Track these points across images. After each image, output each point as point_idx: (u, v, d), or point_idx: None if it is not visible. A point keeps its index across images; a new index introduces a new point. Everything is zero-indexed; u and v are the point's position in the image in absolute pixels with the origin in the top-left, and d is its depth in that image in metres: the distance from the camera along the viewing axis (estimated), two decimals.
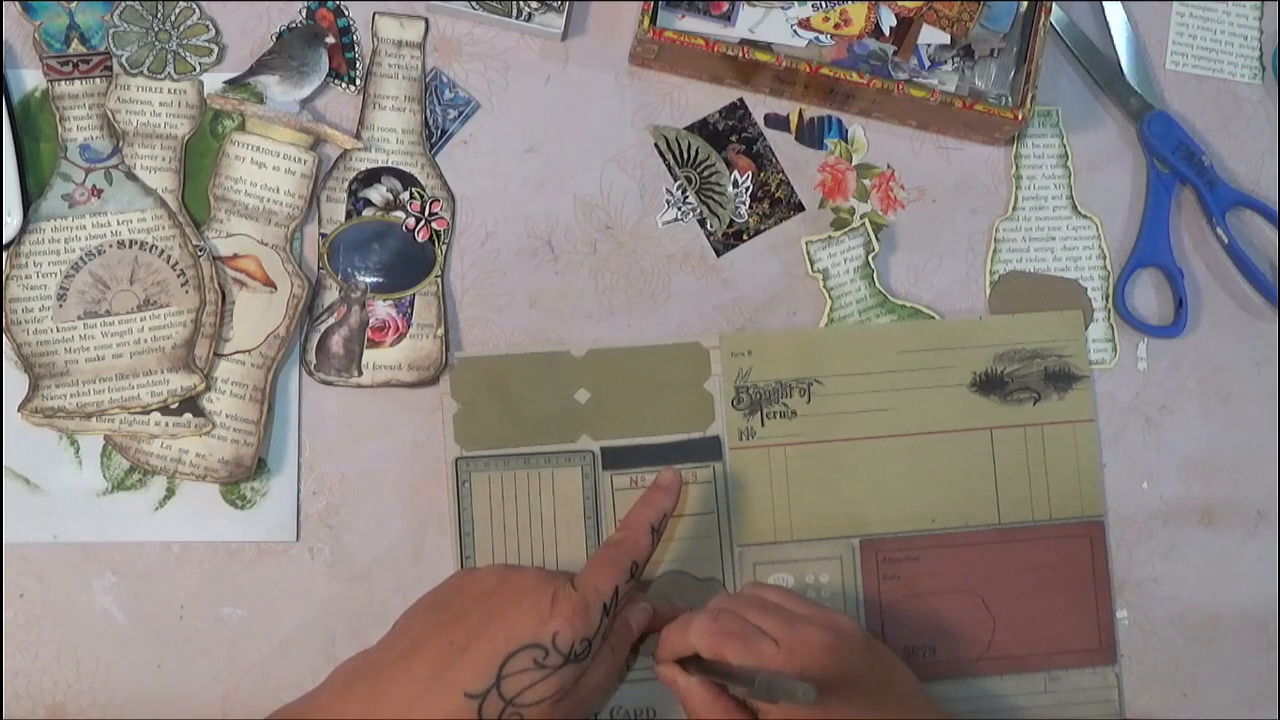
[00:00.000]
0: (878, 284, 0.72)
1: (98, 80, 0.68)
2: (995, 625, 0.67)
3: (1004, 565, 0.67)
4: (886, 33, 0.71)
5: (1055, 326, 0.69)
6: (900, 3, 0.71)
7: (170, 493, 0.66)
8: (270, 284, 0.67)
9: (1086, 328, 0.70)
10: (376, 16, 0.70)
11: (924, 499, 0.67)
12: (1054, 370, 0.68)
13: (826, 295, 0.71)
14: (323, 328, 0.68)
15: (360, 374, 0.68)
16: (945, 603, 0.66)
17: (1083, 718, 0.67)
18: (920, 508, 0.67)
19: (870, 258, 0.72)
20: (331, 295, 0.68)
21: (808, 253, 0.71)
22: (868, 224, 0.71)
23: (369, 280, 0.69)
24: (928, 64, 0.72)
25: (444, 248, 0.70)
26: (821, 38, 0.71)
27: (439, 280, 0.69)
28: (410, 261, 0.69)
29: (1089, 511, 0.69)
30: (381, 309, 0.68)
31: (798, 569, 0.66)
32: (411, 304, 0.69)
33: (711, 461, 0.66)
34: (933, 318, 0.72)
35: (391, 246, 0.69)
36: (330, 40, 0.70)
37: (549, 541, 0.65)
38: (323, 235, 0.69)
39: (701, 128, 0.73)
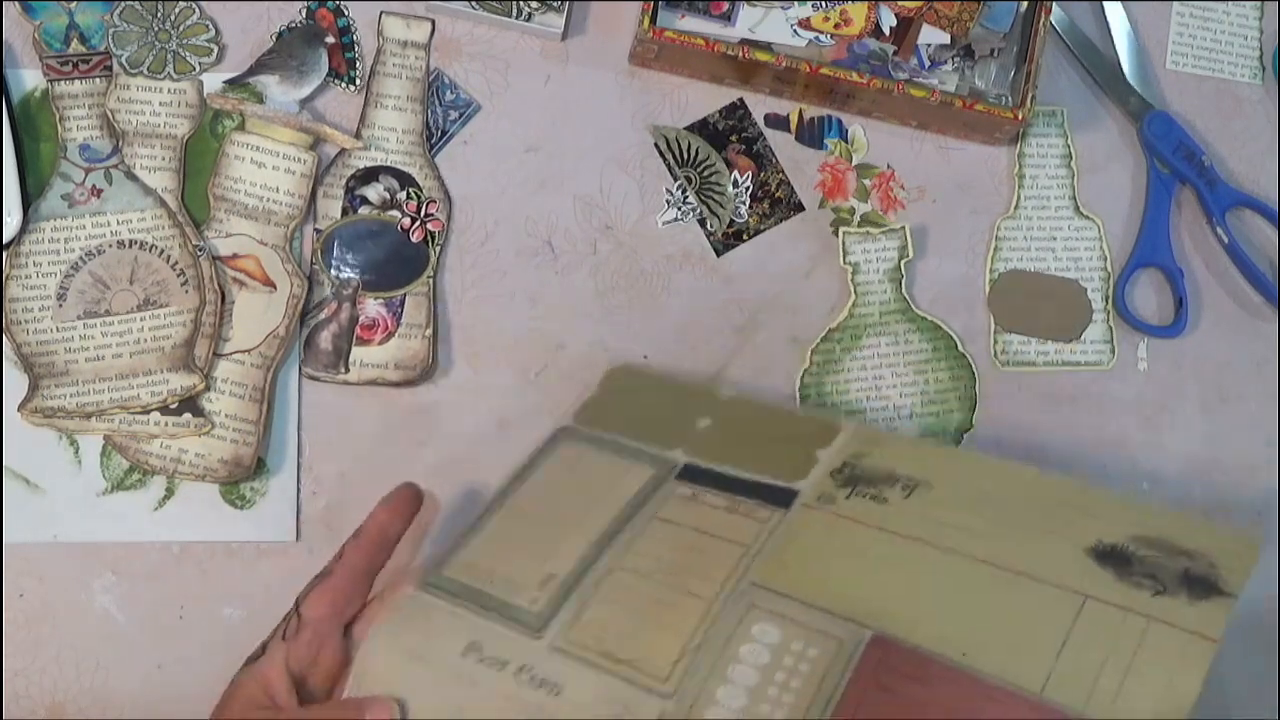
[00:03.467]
0: (904, 290, 0.72)
1: (98, 80, 0.68)
2: None
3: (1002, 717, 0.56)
4: (886, 33, 0.71)
5: (1223, 539, 0.57)
6: (900, 3, 0.71)
7: (170, 493, 0.66)
8: (270, 284, 0.67)
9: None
10: (383, 16, 0.70)
11: (967, 629, 0.57)
12: (1196, 575, 0.56)
13: (852, 290, 0.71)
14: (313, 323, 0.68)
15: (347, 371, 0.68)
16: None
17: None
18: (958, 634, 0.57)
19: (902, 263, 0.72)
20: (323, 291, 0.68)
21: (843, 243, 0.71)
22: (907, 230, 0.71)
23: (361, 277, 0.69)
24: (928, 64, 0.72)
25: (438, 249, 0.70)
26: (821, 38, 0.71)
27: (431, 281, 0.69)
28: (404, 261, 0.69)
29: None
30: (372, 307, 0.68)
31: (789, 629, 0.57)
32: (402, 304, 0.69)
33: (776, 508, 0.59)
34: (952, 337, 0.72)
35: (385, 245, 0.69)
36: (330, 40, 0.70)
37: (549, 542, 0.60)
38: (317, 230, 0.69)
39: (701, 128, 0.72)
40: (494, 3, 0.70)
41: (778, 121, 0.73)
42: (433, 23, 0.71)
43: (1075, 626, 0.56)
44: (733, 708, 0.54)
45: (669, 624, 0.56)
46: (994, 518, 0.58)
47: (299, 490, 0.67)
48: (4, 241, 0.66)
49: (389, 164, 0.70)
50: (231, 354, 0.67)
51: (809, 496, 0.59)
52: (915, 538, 0.58)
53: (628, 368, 0.67)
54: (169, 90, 0.69)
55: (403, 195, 0.69)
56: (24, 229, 0.66)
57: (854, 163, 0.73)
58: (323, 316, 0.68)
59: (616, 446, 0.62)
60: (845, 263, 0.72)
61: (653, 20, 0.68)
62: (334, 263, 0.69)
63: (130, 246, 0.67)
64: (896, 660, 0.57)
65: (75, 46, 0.68)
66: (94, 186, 0.67)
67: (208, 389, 0.66)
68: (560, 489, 0.61)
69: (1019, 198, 0.74)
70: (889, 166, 0.74)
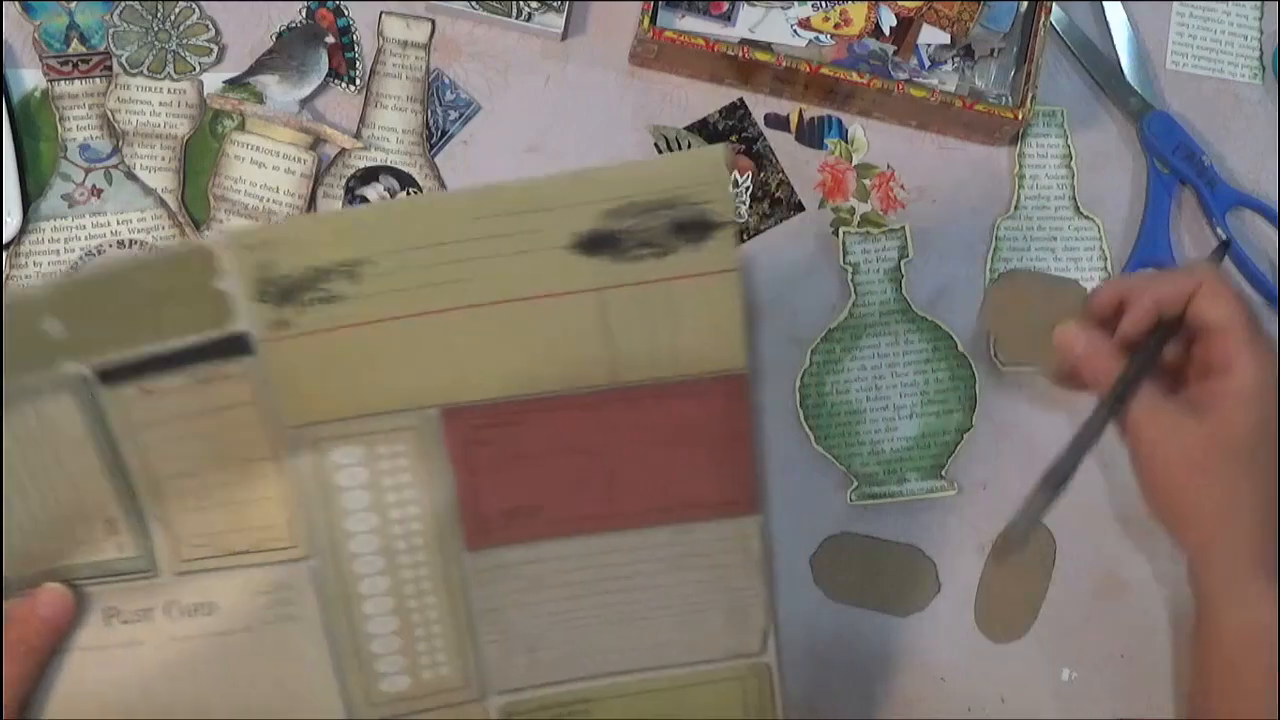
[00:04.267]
0: (904, 290, 0.72)
1: (98, 80, 0.68)
2: (614, 481, 0.57)
3: (623, 424, 0.57)
4: (886, 33, 0.71)
5: (689, 169, 0.54)
6: (900, 3, 0.71)
7: None
8: None
9: (732, 171, 0.58)
10: (383, 16, 0.70)
11: (519, 365, 0.56)
12: (686, 220, 0.54)
13: (852, 290, 0.71)
14: None
15: None
16: (554, 463, 0.57)
17: (717, 564, 0.59)
18: (516, 374, 0.56)
19: (902, 263, 0.72)
20: None
21: (843, 243, 0.71)
22: (907, 230, 0.72)
23: None
24: (928, 64, 0.72)
25: None
26: (821, 38, 0.71)
27: None
28: None
29: (726, 366, 0.57)
30: None
31: (368, 441, 0.56)
32: None
33: (239, 356, 0.54)
34: (952, 337, 0.72)
35: None
36: (330, 40, 0.70)
37: (66, 494, 0.54)
38: None
39: (701, 128, 0.73)
40: (494, 3, 0.70)
41: (778, 121, 0.73)
42: (433, 23, 0.71)
43: (609, 320, 0.55)
44: (367, 531, 0.56)
45: (257, 497, 0.55)
46: (461, 261, 0.54)
47: None
48: (4, 241, 0.66)
49: (389, 164, 0.70)
50: None
51: (262, 332, 0.54)
52: (399, 315, 0.55)
53: None
54: (169, 90, 0.69)
55: (403, 195, 0.69)
56: (24, 229, 0.66)
57: (854, 163, 0.73)
58: None
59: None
60: (845, 263, 0.72)
61: (653, 20, 0.68)
62: None
63: (130, 246, 0.67)
64: (475, 418, 0.56)
65: (75, 46, 0.68)
66: (94, 186, 0.67)
67: None
68: (20, 459, 0.54)
69: (1019, 198, 0.74)
70: (889, 166, 0.74)
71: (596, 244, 0.54)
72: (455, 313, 0.54)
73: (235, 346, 0.54)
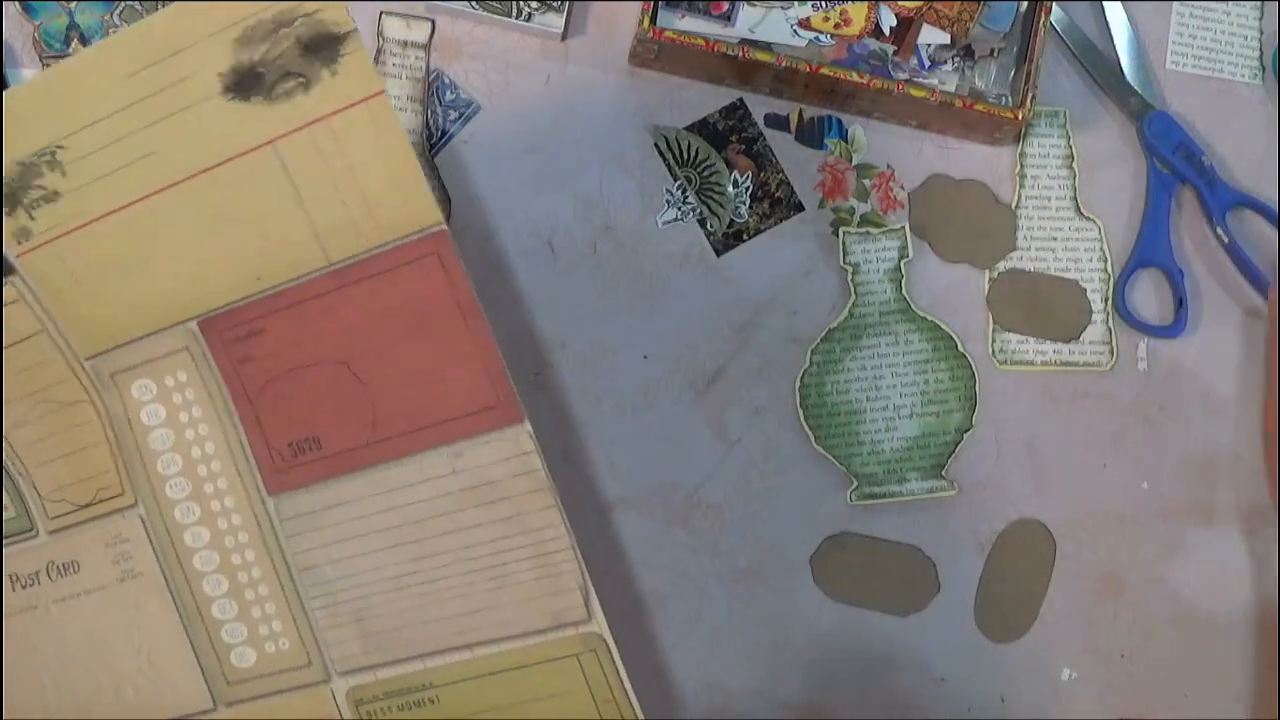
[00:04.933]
0: (904, 290, 0.72)
1: None
2: (372, 397, 0.55)
3: (356, 315, 0.55)
4: (886, 33, 0.71)
5: None
6: (900, 3, 0.71)
7: None
8: None
9: None
10: (383, 16, 0.70)
11: (239, 255, 0.54)
12: (310, 39, 0.51)
13: (852, 290, 0.71)
14: None
15: None
16: (311, 379, 0.55)
17: (507, 495, 0.55)
18: (240, 267, 0.54)
19: (902, 263, 0.72)
20: None
21: (843, 243, 0.71)
22: (906, 229, 0.72)
23: None
24: (928, 64, 0.72)
25: None
26: (821, 38, 0.71)
27: None
28: None
29: (423, 222, 0.54)
30: None
31: (154, 371, 0.55)
32: None
33: (8, 276, 0.53)
34: (952, 337, 0.72)
35: None
36: None
37: None
38: None
39: (701, 128, 0.73)
40: (494, 3, 0.70)
41: (778, 121, 0.73)
42: (433, 23, 0.71)
43: (294, 181, 0.53)
44: (177, 475, 0.55)
45: (87, 443, 0.55)
46: (137, 131, 0.52)
47: None
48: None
49: None
50: None
51: (11, 246, 0.53)
52: (115, 208, 0.53)
53: None
54: None
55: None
56: None
57: (854, 163, 0.73)
58: None
59: None
60: (845, 263, 0.72)
61: (653, 20, 0.68)
62: None
63: None
64: (226, 329, 0.55)
65: (75, 46, 0.68)
66: None
67: None
68: None
69: (1019, 198, 0.74)
70: (889, 166, 0.74)
71: (244, 84, 0.52)
72: (161, 196, 0.53)
73: None
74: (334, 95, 0.53)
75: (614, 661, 0.55)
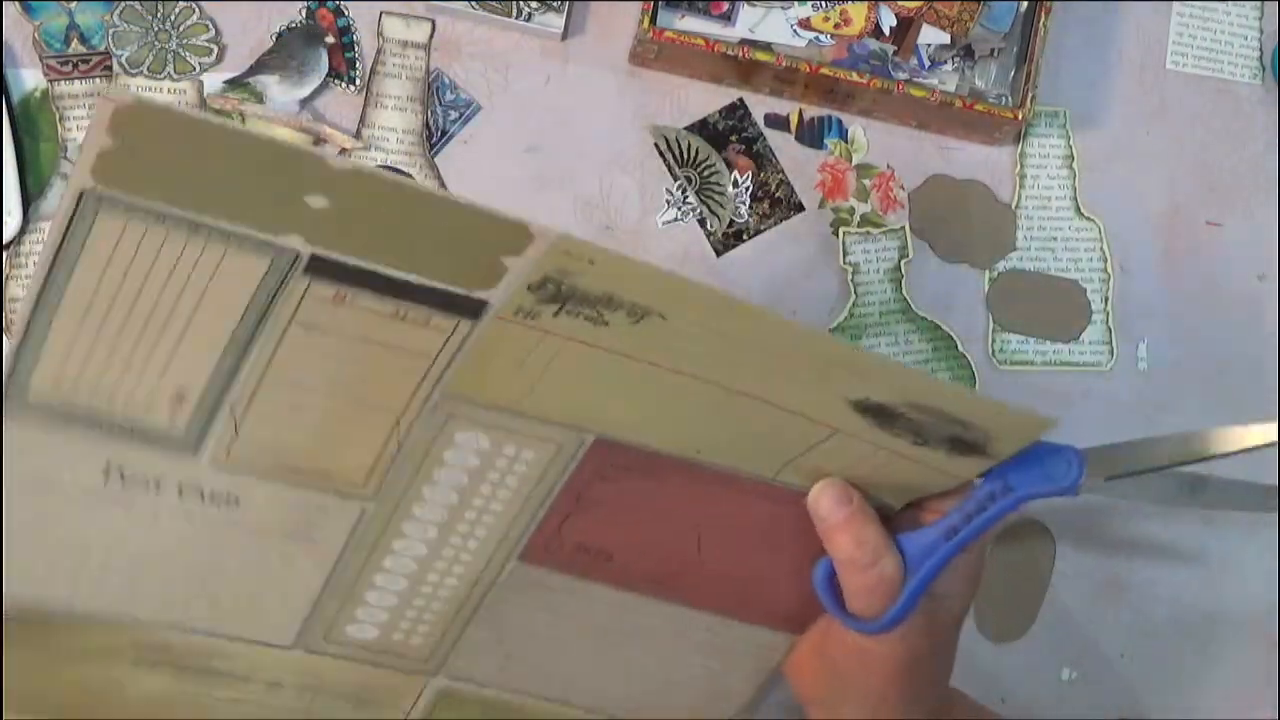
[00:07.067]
0: (904, 290, 0.72)
1: (98, 80, 0.68)
2: (697, 561, 0.57)
3: (741, 509, 0.56)
4: (886, 33, 0.71)
5: (1008, 423, 0.52)
6: (900, 3, 0.71)
7: None
8: None
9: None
10: (383, 16, 0.70)
11: (701, 436, 0.54)
12: (965, 440, 0.52)
13: (852, 290, 0.71)
14: None
15: None
16: (658, 525, 0.56)
17: (730, 657, 0.60)
18: (691, 440, 0.54)
19: (902, 263, 0.72)
20: None
21: (843, 243, 0.72)
22: (906, 229, 0.72)
23: None
24: (928, 64, 0.72)
25: None
26: (821, 38, 0.71)
27: None
28: None
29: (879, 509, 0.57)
30: None
31: (500, 437, 0.53)
32: None
33: (462, 317, 0.50)
34: (952, 337, 0.72)
35: None
36: (330, 40, 0.70)
37: (160, 351, 0.48)
38: None
39: (701, 128, 0.73)
40: (494, 3, 0.70)
41: (778, 121, 0.73)
42: (433, 23, 0.71)
43: (820, 446, 0.54)
44: (441, 504, 0.54)
45: (356, 439, 0.52)
46: (744, 358, 0.51)
47: None
48: (4, 241, 0.66)
49: (389, 164, 0.70)
50: None
51: (503, 309, 0.49)
52: (648, 361, 0.51)
53: (141, 103, 0.44)
54: (169, 90, 0.69)
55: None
56: (24, 229, 0.66)
57: (854, 163, 0.73)
58: None
59: (189, 224, 0.45)
60: (845, 263, 0.72)
61: (653, 20, 0.68)
62: None
63: None
64: (623, 458, 0.54)
65: (75, 46, 0.68)
66: None
67: None
68: (132, 281, 0.47)
69: (1019, 198, 0.74)
70: (889, 166, 0.74)
71: (874, 411, 0.52)
72: (690, 378, 0.52)
73: (467, 308, 0.49)
74: (929, 458, 0.53)
75: None
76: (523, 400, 0.52)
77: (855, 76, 0.69)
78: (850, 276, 0.72)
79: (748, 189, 0.72)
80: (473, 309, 0.49)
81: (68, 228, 0.44)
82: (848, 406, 0.52)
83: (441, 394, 0.51)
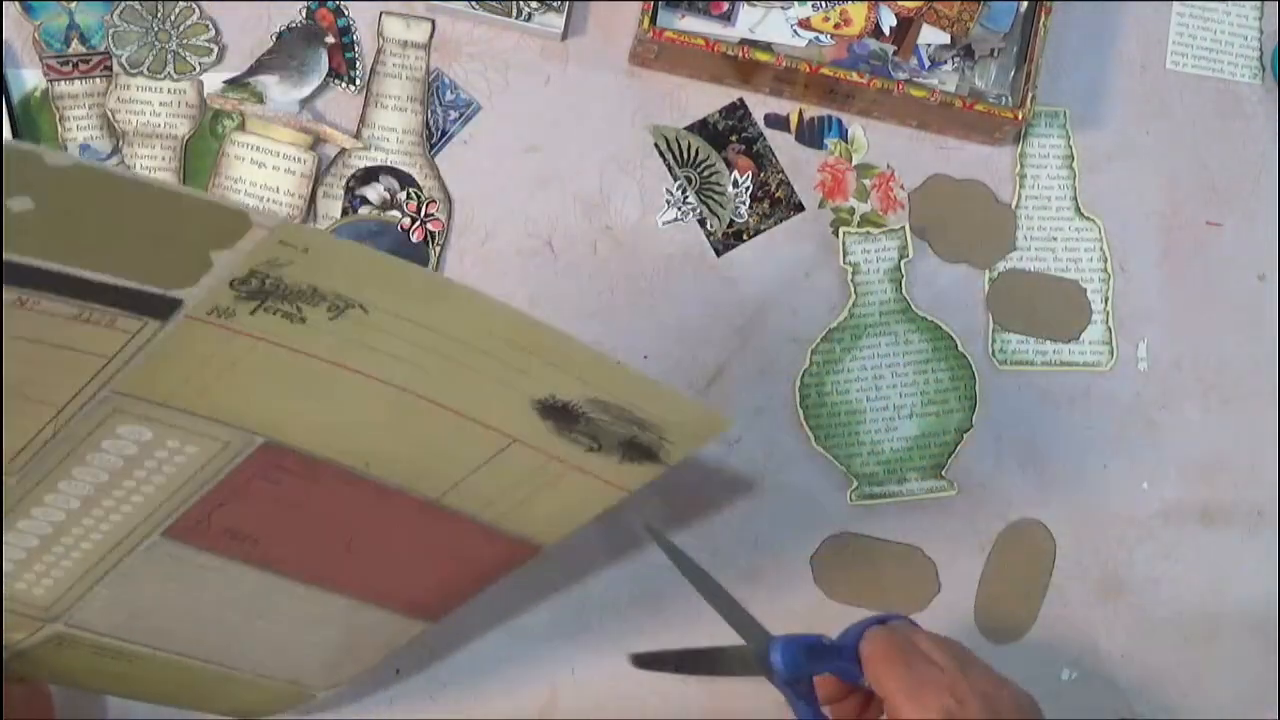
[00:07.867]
0: (904, 290, 0.72)
1: (98, 80, 0.68)
2: (348, 555, 0.58)
3: (405, 525, 0.57)
4: (886, 33, 0.71)
5: (689, 419, 0.54)
6: (900, 3, 0.71)
7: None
8: None
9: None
10: (383, 16, 0.70)
11: (378, 446, 0.55)
12: (640, 444, 0.54)
13: (852, 290, 0.71)
14: None
15: None
16: (313, 522, 0.57)
17: (361, 634, 0.62)
18: (364, 449, 0.55)
19: (902, 263, 0.72)
20: None
21: (843, 243, 0.72)
22: (906, 229, 0.72)
23: None
24: (928, 64, 0.72)
25: (438, 249, 0.70)
26: (821, 38, 0.71)
27: None
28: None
29: (539, 538, 0.59)
30: None
31: (164, 430, 0.52)
32: None
33: (150, 318, 0.49)
34: (952, 337, 0.72)
35: (385, 245, 0.69)
36: (330, 40, 0.70)
37: None
38: None
39: (701, 128, 0.73)
40: (494, 3, 0.70)
41: (778, 121, 0.73)
42: (433, 23, 0.71)
43: (493, 460, 0.55)
44: (89, 482, 0.54)
45: (10, 425, 0.51)
46: (438, 353, 0.51)
47: None
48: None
49: (389, 164, 0.70)
50: None
51: (198, 308, 0.48)
52: (335, 362, 0.51)
53: None
54: (169, 90, 0.69)
55: (403, 195, 0.69)
56: None
57: (854, 163, 0.73)
58: None
59: None
60: (845, 263, 0.72)
61: (653, 20, 0.68)
62: None
63: None
64: (289, 462, 0.54)
65: (75, 46, 0.68)
66: None
67: None
68: None
69: (1019, 198, 0.74)
70: (889, 166, 0.74)
71: (555, 412, 0.53)
72: (376, 382, 0.52)
73: (159, 308, 0.48)
74: (600, 467, 0.55)
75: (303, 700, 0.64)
76: (197, 400, 0.52)
77: (855, 76, 0.69)
78: (850, 276, 0.72)
79: (748, 189, 0.72)
80: (164, 309, 0.48)
81: None
82: (531, 409, 0.53)
83: (111, 390, 0.51)
